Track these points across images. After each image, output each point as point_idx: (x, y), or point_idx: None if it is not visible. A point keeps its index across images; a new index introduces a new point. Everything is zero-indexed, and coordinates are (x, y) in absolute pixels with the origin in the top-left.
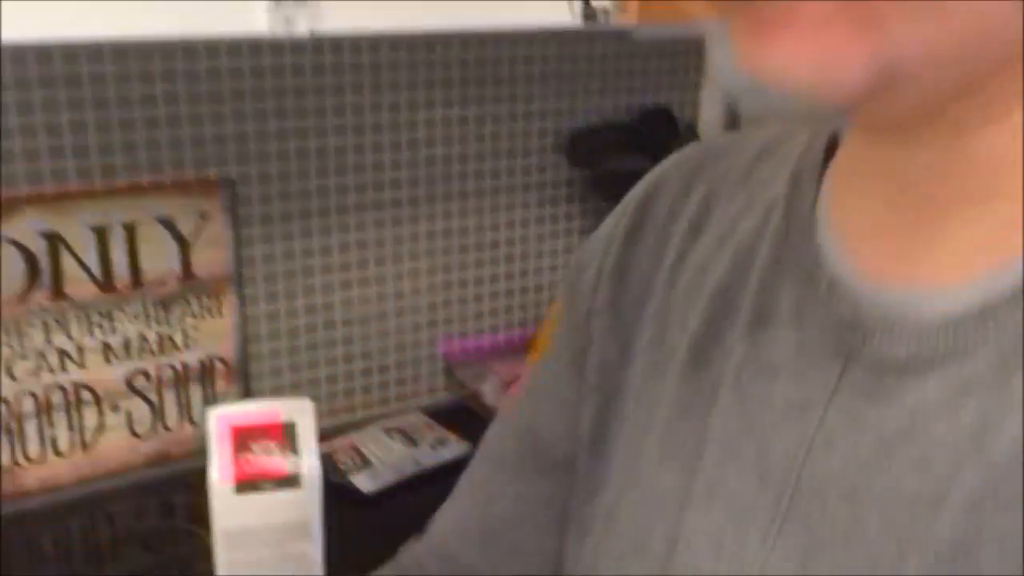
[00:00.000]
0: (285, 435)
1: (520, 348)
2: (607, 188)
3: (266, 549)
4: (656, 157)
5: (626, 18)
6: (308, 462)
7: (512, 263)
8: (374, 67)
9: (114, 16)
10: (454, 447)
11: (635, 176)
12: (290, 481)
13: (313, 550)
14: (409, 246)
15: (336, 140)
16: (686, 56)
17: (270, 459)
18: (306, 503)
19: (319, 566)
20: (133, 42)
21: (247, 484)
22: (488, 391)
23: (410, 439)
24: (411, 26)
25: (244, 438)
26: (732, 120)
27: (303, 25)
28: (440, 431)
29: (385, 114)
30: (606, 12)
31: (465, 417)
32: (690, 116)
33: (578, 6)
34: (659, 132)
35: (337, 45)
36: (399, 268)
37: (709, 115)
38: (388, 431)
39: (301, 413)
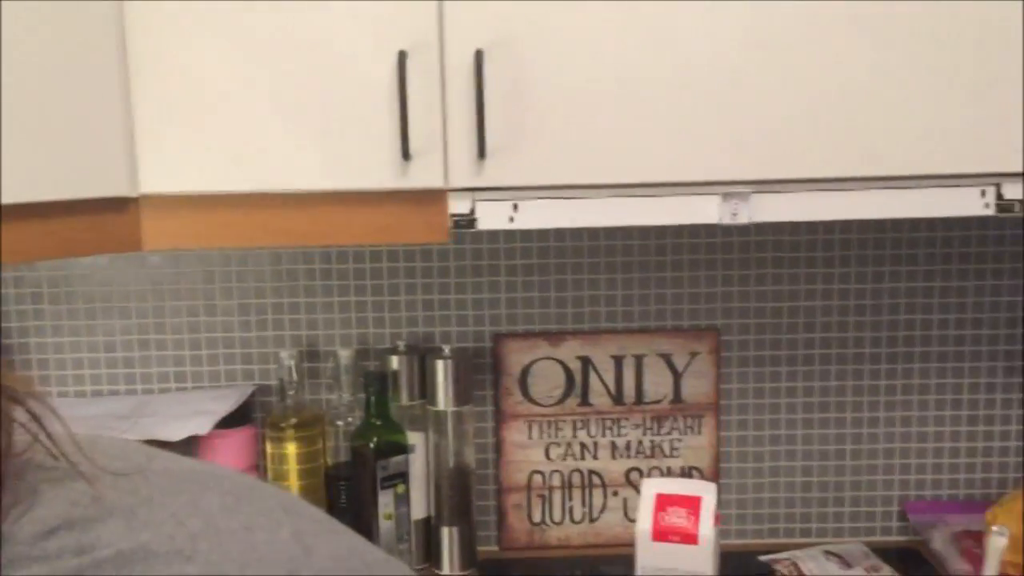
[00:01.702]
0: (693, 506)
1: (978, 507)
2: None
3: None
4: None
5: None
6: (707, 528)
7: (975, 425)
8: (844, 243)
9: (624, 208)
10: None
11: None
12: (691, 539)
13: None
14: (869, 398)
15: (807, 302)
16: None
17: (680, 521)
18: (701, 558)
19: None
20: (645, 226)
21: (661, 536)
22: (937, 538)
23: (846, 563)
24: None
25: (664, 503)
26: None
27: (745, 216)
28: (877, 561)
29: (853, 283)
30: (1021, 203)
31: (909, 558)
32: None
33: (991, 194)
34: None
35: (813, 226)
36: (859, 415)
37: None
38: (827, 554)
39: (707, 491)
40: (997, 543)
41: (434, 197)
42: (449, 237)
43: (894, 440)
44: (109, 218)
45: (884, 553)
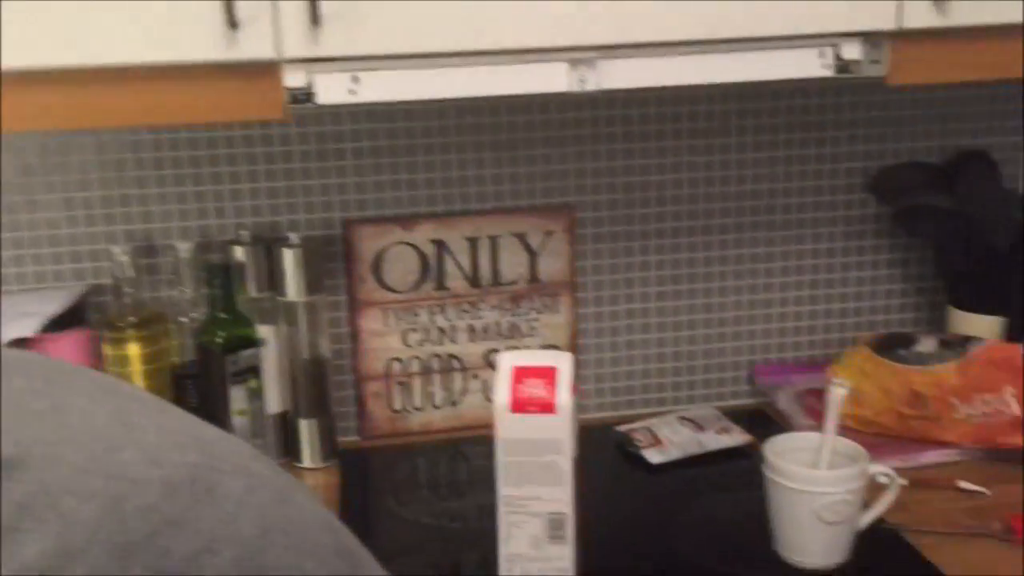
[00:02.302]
0: (550, 376)
1: (820, 367)
2: (911, 223)
3: (529, 456)
4: (964, 197)
5: (877, 70)
6: (564, 397)
7: (816, 289)
8: (691, 115)
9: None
10: (736, 436)
11: (938, 213)
12: (549, 409)
13: (563, 460)
14: (720, 268)
15: (658, 176)
16: (1008, 99)
17: (538, 392)
18: (559, 426)
19: (568, 474)
20: (496, 98)
21: (520, 408)
22: (783, 398)
23: (699, 426)
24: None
25: (521, 375)
26: None
27: (592, 83)
28: (728, 423)
29: (702, 155)
30: (857, 63)
31: (757, 419)
32: (1012, 159)
33: (830, 55)
34: (971, 174)
35: (662, 98)
36: (710, 285)
37: None
38: (682, 419)
39: (563, 361)
40: (837, 394)
41: (266, 70)
42: (286, 114)
43: (742, 308)
44: None
45: (734, 415)
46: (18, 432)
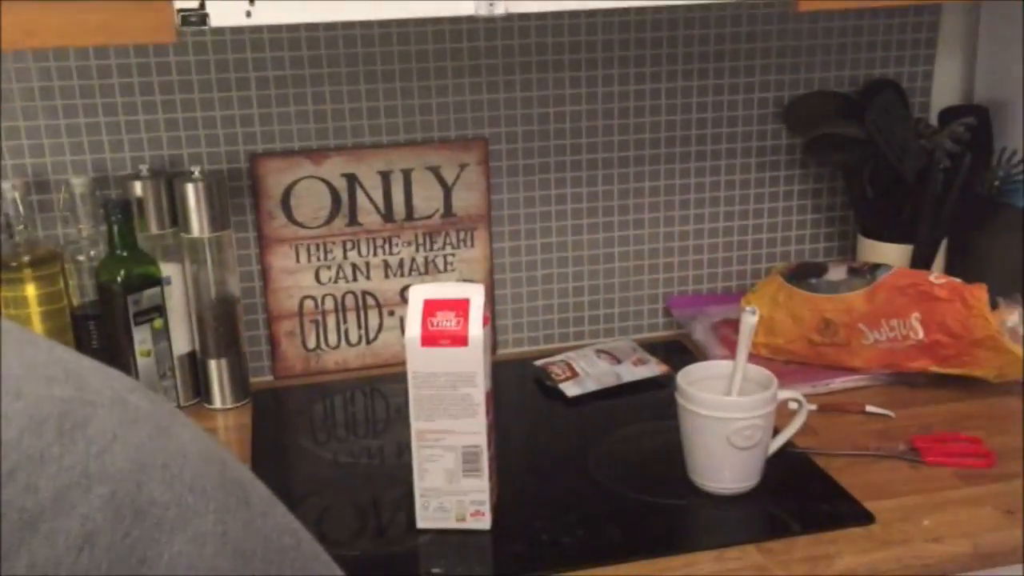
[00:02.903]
0: (462, 309)
1: (734, 297)
2: (821, 153)
3: (442, 390)
4: (873, 126)
5: None
6: (475, 329)
7: (731, 221)
8: (606, 44)
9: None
10: (653, 367)
11: (848, 142)
12: (460, 341)
13: (476, 393)
14: (635, 200)
15: (572, 107)
16: (918, 29)
17: (449, 324)
18: (471, 359)
19: (482, 407)
20: (406, 25)
21: (430, 341)
22: (698, 329)
23: (615, 359)
24: (592, 6)
25: (433, 308)
26: (968, 93)
27: (501, 7)
28: (644, 355)
29: (616, 86)
30: None
31: (673, 349)
32: (922, 89)
33: None
34: (880, 103)
35: (575, 27)
36: (625, 218)
37: (943, 87)
38: (598, 352)
39: (475, 293)
40: (749, 321)
41: None
42: (178, 37)
43: (657, 240)
44: None
45: (651, 347)
46: None
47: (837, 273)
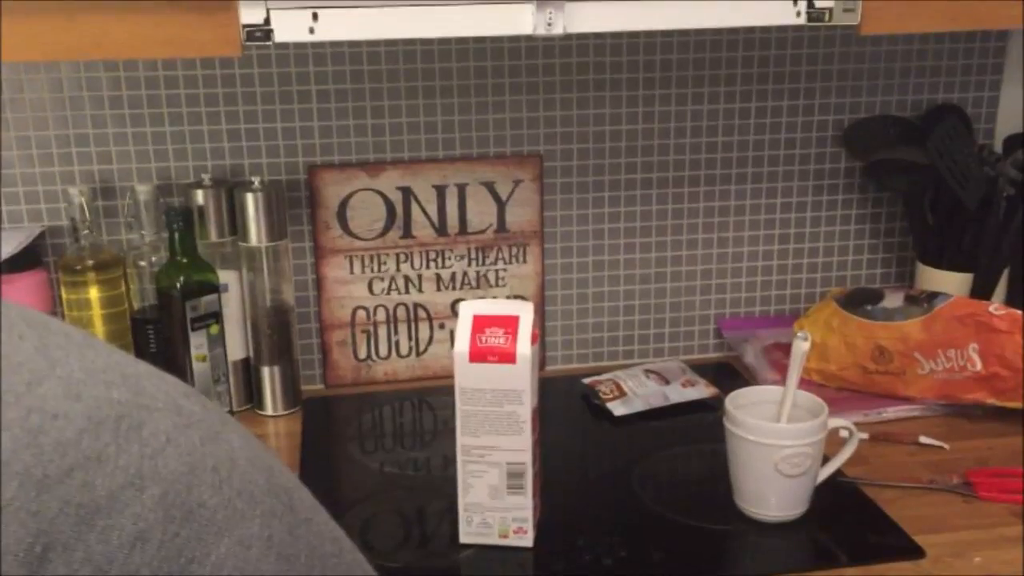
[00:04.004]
0: (511, 325)
1: (787, 321)
2: (881, 177)
3: (489, 406)
4: (935, 152)
5: (850, 19)
6: (524, 347)
7: (786, 243)
8: (664, 64)
9: (436, 19)
10: (702, 389)
11: (909, 167)
12: (508, 358)
13: (523, 411)
14: (688, 220)
15: (628, 126)
16: (984, 54)
17: (498, 341)
18: (519, 376)
19: (527, 424)
20: (465, 42)
21: (479, 357)
22: (749, 352)
23: (664, 379)
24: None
25: (482, 324)
26: None
27: (560, 26)
28: (693, 376)
29: (673, 106)
30: (830, 11)
31: (723, 372)
32: (987, 115)
33: (803, 3)
34: (943, 129)
35: (633, 47)
36: (678, 238)
37: (1008, 114)
38: (647, 372)
39: (524, 310)
40: (800, 347)
41: (221, 5)
42: (243, 51)
43: (710, 260)
44: None
45: (700, 369)
46: None
47: (893, 300)
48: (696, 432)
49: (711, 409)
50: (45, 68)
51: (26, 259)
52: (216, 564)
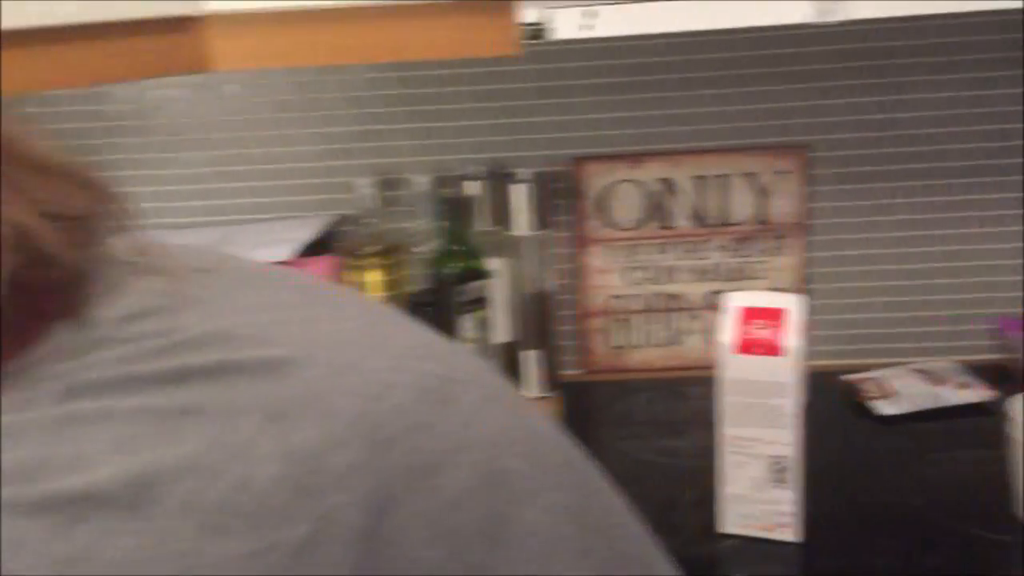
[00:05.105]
0: (779, 319)
1: None
2: None
3: (753, 398)
4: None
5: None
6: (792, 340)
7: None
8: (940, 48)
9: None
10: (979, 392)
11: None
12: (775, 351)
13: (788, 404)
14: (965, 213)
15: (901, 114)
16: None
17: (764, 333)
18: (785, 369)
19: (793, 418)
20: (731, 32)
21: (745, 349)
22: None
23: (935, 379)
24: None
25: (749, 316)
26: None
27: (840, 13)
28: (968, 378)
29: (953, 91)
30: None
31: (1001, 375)
32: None
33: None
34: None
35: (905, 31)
36: (954, 232)
37: None
38: (915, 371)
39: (794, 304)
40: None
41: (502, 5)
42: (521, 50)
43: (988, 256)
44: (174, 39)
45: (976, 370)
46: (287, 337)
47: None
48: (969, 436)
49: (988, 414)
50: (337, 69)
51: (318, 246)
52: (524, 526)
